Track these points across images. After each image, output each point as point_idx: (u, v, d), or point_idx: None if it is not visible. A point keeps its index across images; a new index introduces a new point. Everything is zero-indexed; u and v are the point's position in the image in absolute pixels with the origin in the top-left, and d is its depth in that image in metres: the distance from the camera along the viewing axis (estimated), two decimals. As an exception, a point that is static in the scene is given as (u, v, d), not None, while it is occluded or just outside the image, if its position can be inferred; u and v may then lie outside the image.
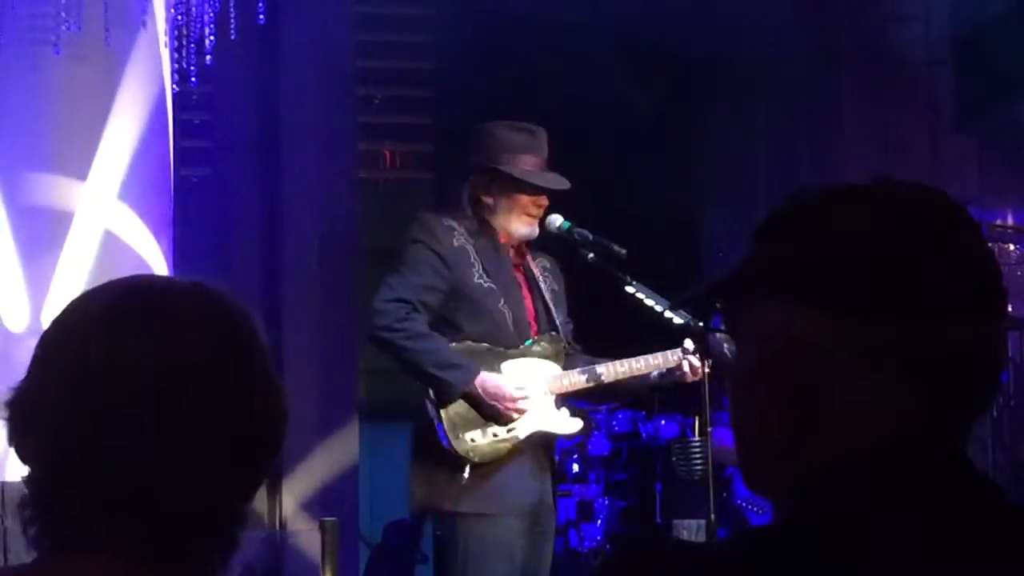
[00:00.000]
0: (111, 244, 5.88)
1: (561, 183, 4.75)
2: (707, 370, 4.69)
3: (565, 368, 4.79)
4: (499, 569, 4.59)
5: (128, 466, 1.36)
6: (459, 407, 4.61)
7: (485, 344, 4.69)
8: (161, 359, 1.38)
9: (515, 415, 4.63)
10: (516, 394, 4.63)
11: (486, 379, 4.61)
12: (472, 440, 4.59)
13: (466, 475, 4.57)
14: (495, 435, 4.62)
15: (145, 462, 1.37)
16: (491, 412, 4.61)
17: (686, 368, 4.72)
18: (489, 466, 4.61)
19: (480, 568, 4.58)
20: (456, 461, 4.58)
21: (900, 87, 8.35)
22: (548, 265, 4.96)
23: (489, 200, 4.74)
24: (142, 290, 1.46)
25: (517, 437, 4.65)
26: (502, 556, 4.60)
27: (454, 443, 4.57)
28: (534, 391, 4.68)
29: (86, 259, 5.81)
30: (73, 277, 5.72)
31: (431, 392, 4.61)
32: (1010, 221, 7.99)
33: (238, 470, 1.42)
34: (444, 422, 4.58)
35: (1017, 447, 7.22)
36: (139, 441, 1.37)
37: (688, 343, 4.73)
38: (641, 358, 4.77)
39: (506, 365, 4.70)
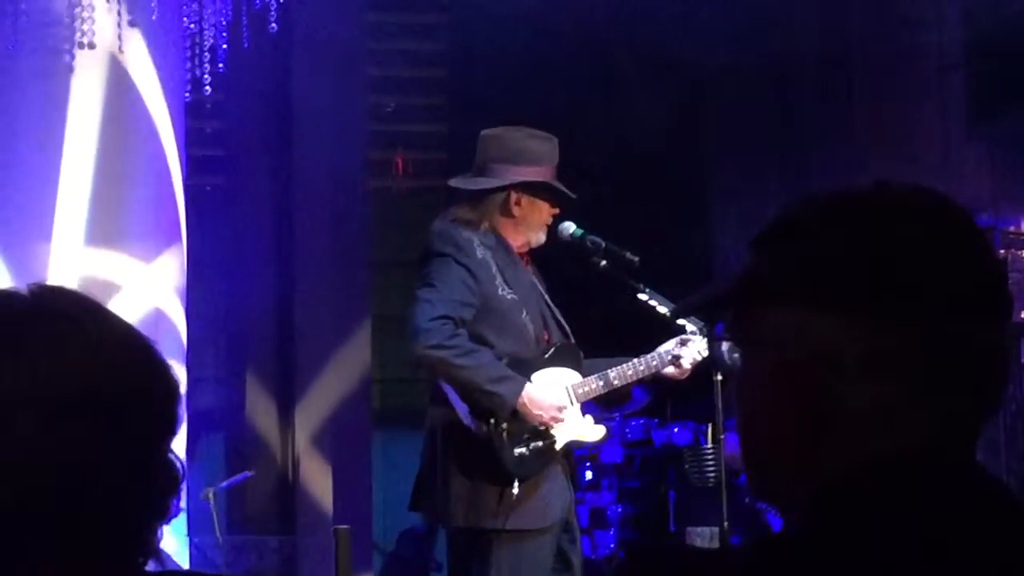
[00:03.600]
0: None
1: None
2: (719, 378, 4.67)
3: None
4: None
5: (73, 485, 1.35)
6: (502, 423, 4.55)
7: (515, 357, 4.63)
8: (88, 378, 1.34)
9: (557, 425, 4.62)
10: (559, 403, 4.62)
11: (531, 390, 4.56)
12: (520, 455, 4.54)
13: (516, 491, 4.50)
14: (538, 447, 4.58)
15: (80, 478, 1.34)
16: (535, 423, 4.56)
17: (685, 356, 4.69)
18: (533, 480, 4.56)
19: None
20: (507, 478, 4.51)
21: (913, 92, 8.34)
22: (535, 270, 4.94)
23: (518, 210, 4.71)
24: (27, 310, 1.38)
25: (555, 448, 4.63)
26: (540, 570, 4.57)
27: (507, 460, 4.51)
28: (566, 400, 4.67)
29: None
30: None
31: (477, 408, 4.52)
32: (1023, 227, 7.96)
33: (162, 444, 1.40)
34: (495, 439, 4.52)
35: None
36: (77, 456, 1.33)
37: (686, 333, 4.71)
38: (642, 359, 4.75)
39: (536, 376, 4.65)
